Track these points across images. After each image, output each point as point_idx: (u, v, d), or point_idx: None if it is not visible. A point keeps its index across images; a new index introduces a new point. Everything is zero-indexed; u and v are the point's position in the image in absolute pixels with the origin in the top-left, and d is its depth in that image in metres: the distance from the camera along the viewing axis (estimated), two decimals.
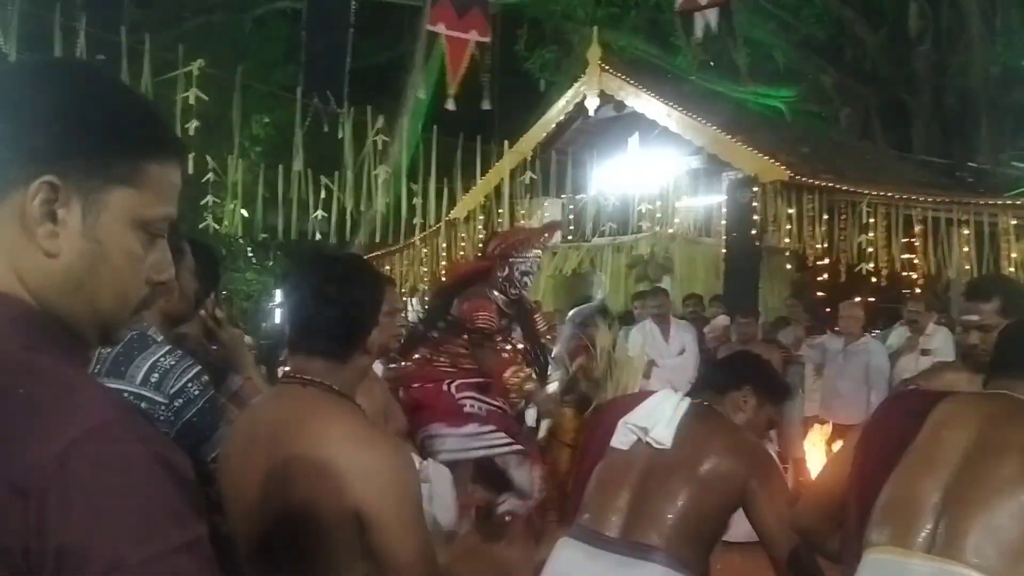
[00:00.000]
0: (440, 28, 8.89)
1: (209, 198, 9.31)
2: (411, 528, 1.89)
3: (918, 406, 2.15)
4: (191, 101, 7.78)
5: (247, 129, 12.48)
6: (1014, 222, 7.71)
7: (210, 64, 8.37)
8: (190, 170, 8.13)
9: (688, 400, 2.72)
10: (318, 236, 9.46)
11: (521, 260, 4.60)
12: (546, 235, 5.21)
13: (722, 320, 7.51)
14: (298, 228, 9.30)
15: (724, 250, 9.30)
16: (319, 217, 9.17)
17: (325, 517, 1.84)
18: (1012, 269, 7.55)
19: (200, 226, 9.59)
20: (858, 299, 7.17)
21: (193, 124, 7.77)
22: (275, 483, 1.87)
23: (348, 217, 9.15)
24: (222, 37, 13.67)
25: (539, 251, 4.82)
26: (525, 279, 4.66)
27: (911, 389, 3.03)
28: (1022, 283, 3.32)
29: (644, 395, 2.86)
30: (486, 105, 8.88)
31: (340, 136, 8.65)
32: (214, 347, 2.80)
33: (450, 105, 8.79)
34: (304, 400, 1.94)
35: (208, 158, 8.83)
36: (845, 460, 2.26)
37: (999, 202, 7.98)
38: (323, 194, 9.08)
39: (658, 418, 2.62)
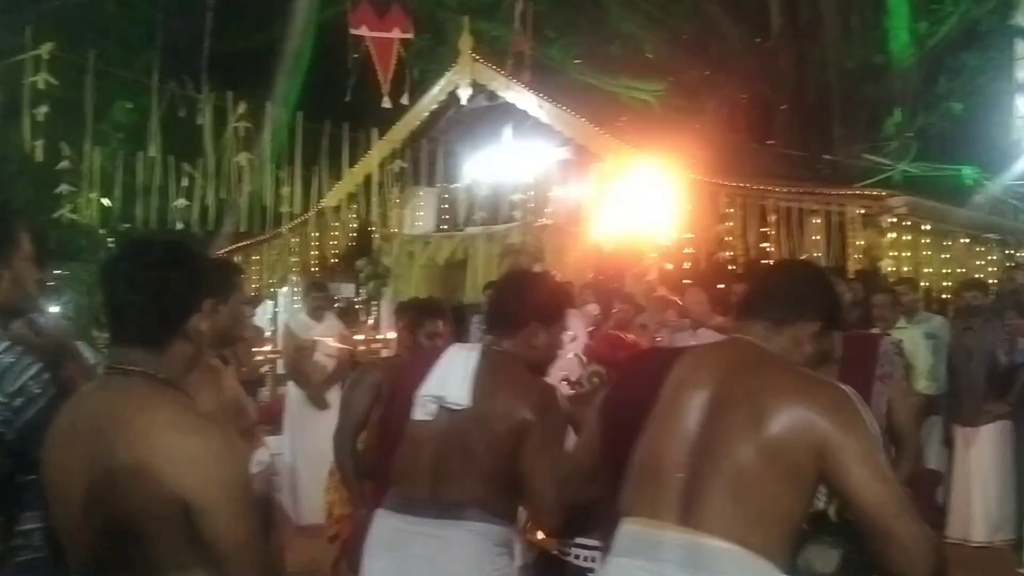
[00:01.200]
0: (363, 31, 8.85)
1: (63, 187, 8.92)
2: (239, 515, 1.88)
3: (657, 365, 2.17)
4: (40, 86, 7.43)
5: (109, 115, 12.01)
6: (861, 211, 8.12)
7: (71, 47, 8.02)
8: (40, 157, 7.81)
9: (477, 350, 2.74)
10: (180, 225, 9.17)
11: None
12: None
13: (592, 308, 7.67)
14: (159, 217, 9.01)
15: (594, 240, 9.48)
16: (180, 206, 8.91)
17: (151, 506, 1.82)
18: (858, 256, 7.97)
19: (54, 215, 9.19)
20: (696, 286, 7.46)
21: (43, 110, 7.43)
22: (99, 475, 1.84)
23: (212, 206, 8.91)
24: (84, 19, 13.08)
25: None
26: None
27: (650, 348, 3.16)
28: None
29: (432, 356, 2.84)
30: (385, 100, 8.83)
31: (200, 123, 8.42)
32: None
33: (386, 103, 8.77)
34: (126, 391, 1.91)
35: (64, 145, 8.46)
36: (593, 430, 2.33)
37: (846, 192, 8.40)
38: (185, 182, 8.83)
39: (451, 380, 2.65)
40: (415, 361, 3.06)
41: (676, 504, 1.98)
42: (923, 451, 6.30)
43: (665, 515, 1.98)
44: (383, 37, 9.02)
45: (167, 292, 1.92)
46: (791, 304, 2.14)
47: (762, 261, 8.68)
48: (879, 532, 1.84)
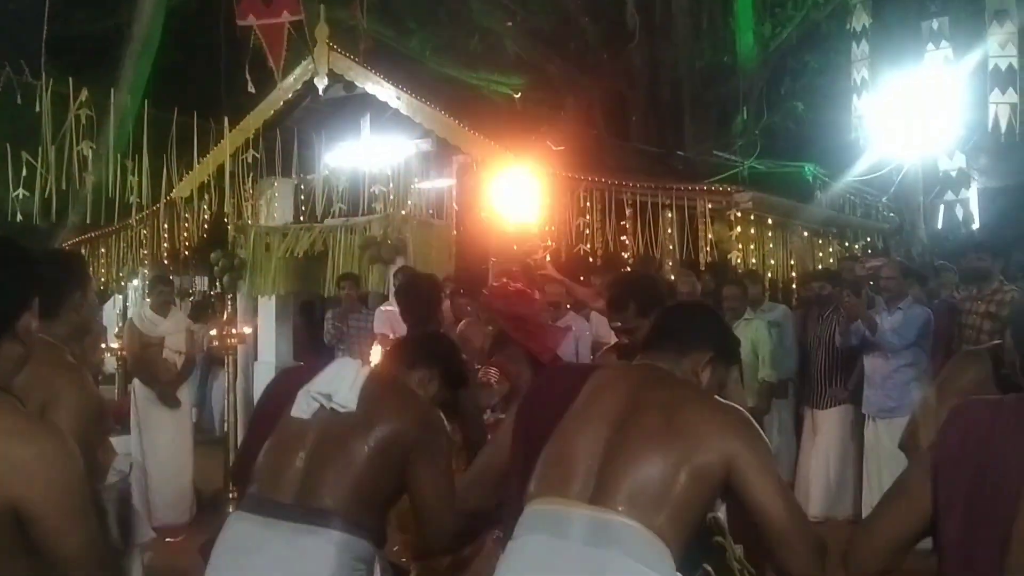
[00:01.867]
0: (250, 21, 8.54)
1: None
2: (76, 521, 1.81)
3: (574, 377, 2.35)
4: None
5: None
6: (710, 206, 8.45)
7: None
8: None
9: (368, 367, 2.74)
10: (19, 217, 8.67)
11: None
12: None
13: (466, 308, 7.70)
14: None
15: (455, 232, 9.50)
16: (21, 196, 8.42)
17: None
18: (708, 248, 8.28)
19: None
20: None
21: None
22: None
23: (53, 196, 8.45)
24: None
25: None
26: None
27: (566, 363, 3.30)
28: (653, 282, 3.75)
29: (318, 364, 2.81)
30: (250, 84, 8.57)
31: (38, 109, 7.97)
32: None
33: (251, 88, 8.49)
34: None
35: None
36: (507, 433, 2.40)
37: (697, 188, 8.72)
38: (24, 172, 8.35)
39: (340, 383, 2.59)
40: (300, 368, 3.05)
41: (585, 486, 2.07)
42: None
43: (573, 495, 2.07)
44: (272, 23, 8.76)
45: None
46: (687, 337, 2.37)
47: (620, 254, 8.92)
48: (780, 538, 2.04)
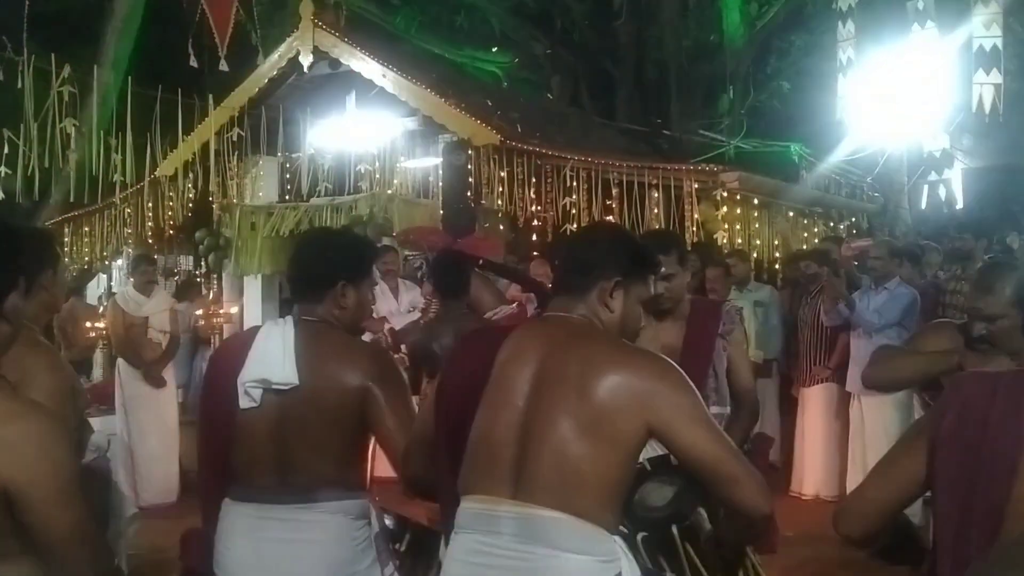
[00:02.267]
0: None
1: None
2: (64, 503, 1.81)
3: (487, 344, 2.25)
4: None
5: None
6: (696, 186, 8.45)
7: None
8: None
9: (290, 323, 2.60)
10: (1, 195, 8.59)
11: None
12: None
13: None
14: None
15: (442, 211, 9.48)
16: (2, 174, 8.34)
17: None
18: (694, 228, 8.30)
19: None
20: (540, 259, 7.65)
21: None
22: None
23: (36, 174, 8.37)
24: None
25: None
26: None
27: (480, 328, 3.24)
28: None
29: (246, 337, 2.68)
30: (222, 63, 8.48)
31: (20, 85, 7.88)
32: None
33: (223, 66, 8.39)
34: None
35: None
36: (430, 407, 2.35)
37: (683, 167, 8.72)
38: (7, 149, 8.26)
39: (272, 361, 2.50)
40: (226, 346, 2.93)
41: (508, 479, 2.05)
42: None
43: (498, 491, 2.06)
44: None
45: None
46: (582, 270, 2.22)
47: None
48: (722, 479, 2.00)
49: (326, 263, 2.63)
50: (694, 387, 2.07)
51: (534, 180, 9.08)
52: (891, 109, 11.81)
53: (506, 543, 2.01)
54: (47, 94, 8.19)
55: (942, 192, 12.50)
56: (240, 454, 2.56)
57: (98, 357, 9.68)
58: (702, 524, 2.31)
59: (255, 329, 2.69)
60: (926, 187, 12.35)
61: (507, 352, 2.18)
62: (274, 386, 2.49)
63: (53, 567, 1.82)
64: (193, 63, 8.98)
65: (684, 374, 2.08)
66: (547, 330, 2.21)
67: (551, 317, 2.25)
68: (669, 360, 2.12)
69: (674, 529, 2.25)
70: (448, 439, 2.22)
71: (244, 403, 2.52)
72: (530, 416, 2.06)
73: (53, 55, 8.10)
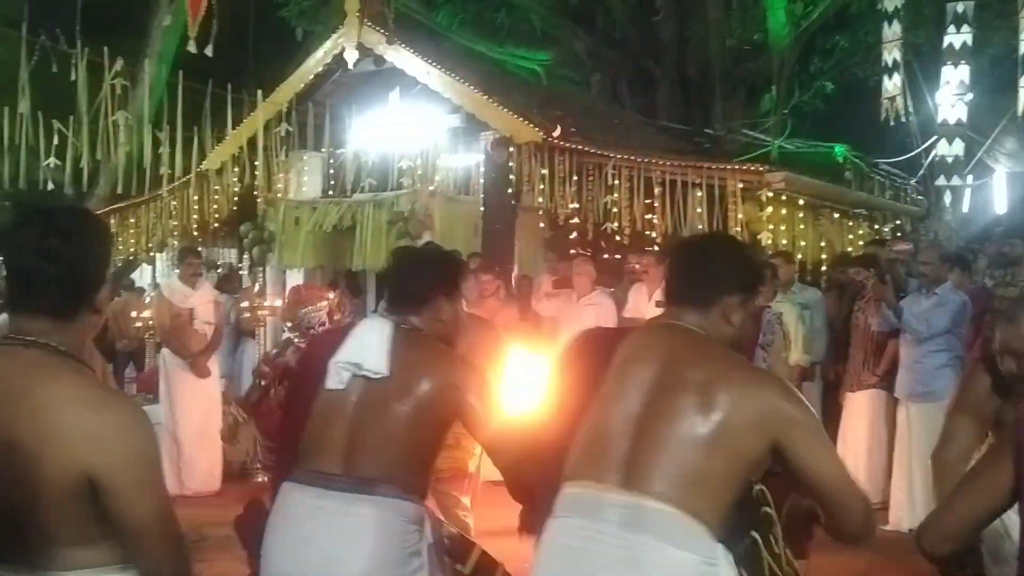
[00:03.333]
0: None
1: None
2: (146, 490, 1.85)
3: (604, 344, 2.29)
4: None
5: None
6: (740, 185, 8.39)
7: None
8: None
9: (390, 323, 2.68)
10: (51, 186, 8.73)
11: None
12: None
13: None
14: (28, 177, 8.55)
15: (482, 208, 9.51)
16: (52, 165, 8.48)
17: (54, 482, 1.77)
18: (738, 228, 8.24)
19: None
20: (584, 256, 7.69)
21: None
22: None
23: (86, 166, 8.51)
24: None
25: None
26: None
27: (595, 328, 3.25)
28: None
29: (342, 328, 2.81)
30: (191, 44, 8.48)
31: (73, 78, 8.01)
32: None
33: (192, 48, 8.40)
34: (26, 363, 1.84)
35: None
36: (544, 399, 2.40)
37: (728, 167, 8.67)
38: (56, 140, 8.40)
39: (368, 349, 2.58)
40: (326, 332, 3.02)
41: (619, 470, 2.06)
42: None
43: (608, 479, 2.06)
44: None
45: (81, 262, 1.85)
46: (710, 285, 2.25)
47: (646, 233, 8.91)
48: (836, 502, 2.06)
49: (426, 279, 2.76)
50: (812, 409, 2.14)
51: (575, 178, 9.07)
52: (935, 111, 11.70)
53: (611, 530, 2.00)
54: (98, 87, 8.30)
55: (984, 196, 12.34)
56: (312, 433, 2.60)
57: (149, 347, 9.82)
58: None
59: (354, 322, 2.80)
60: (968, 191, 12.21)
61: (628, 351, 2.21)
62: (364, 372, 2.56)
63: (134, 552, 1.86)
64: (192, 48, 8.96)
65: (801, 395, 2.15)
66: (667, 338, 2.25)
67: (671, 325, 2.27)
68: (789, 383, 2.21)
69: (757, 537, 2.25)
70: (559, 431, 2.25)
71: (331, 383, 2.58)
72: (649, 415, 2.08)
73: (105, 48, 8.22)
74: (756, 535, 2.29)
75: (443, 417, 2.60)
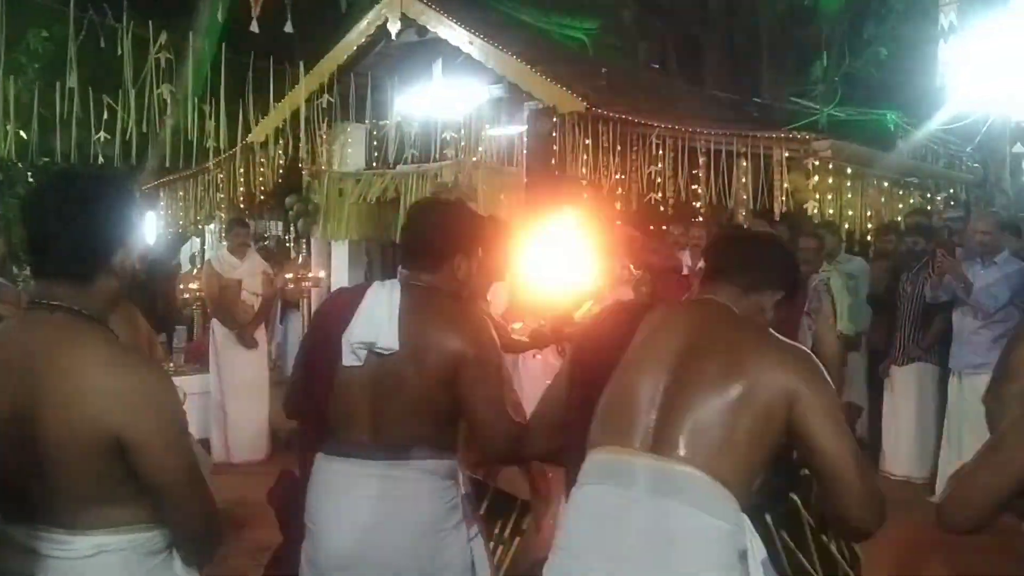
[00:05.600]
0: None
1: None
2: (174, 450, 1.89)
3: (629, 316, 2.30)
4: None
5: (24, 43, 11.51)
6: (787, 155, 8.23)
7: None
8: None
9: (396, 287, 2.64)
10: (101, 160, 8.89)
11: None
12: None
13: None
14: (79, 151, 8.72)
15: (526, 179, 9.46)
16: (102, 139, 8.63)
17: (83, 443, 1.81)
18: (783, 198, 8.10)
19: None
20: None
21: None
22: (24, 412, 1.81)
23: (133, 139, 8.64)
24: None
25: None
26: None
27: (620, 302, 3.22)
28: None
29: (352, 295, 2.72)
30: (288, 28, 8.51)
31: (119, 52, 8.12)
32: None
33: (250, 25, 8.46)
34: (52, 327, 1.88)
35: None
36: (565, 373, 2.39)
37: (774, 135, 8.50)
38: (105, 115, 8.54)
39: (378, 324, 2.55)
40: (332, 301, 2.96)
41: (647, 435, 2.05)
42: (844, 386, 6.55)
43: (636, 444, 2.05)
44: None
45: (97, 225, 1.88)
46: (759, 274, 2.30)
47: (692, 203, 8.80)
48: (838, 482, 2.00)
49: (443, 235, 2.68)
50: (833, 388, 2.10)
51: (619, 148, 8.97)
52: (994, 76, 11.32)
53: (639, 495, 1.99)
54: (144, 61, 8.41)
55: None
56: (337, 409, 2.61)
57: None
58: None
59: (362, 287, 2.72)
60: None
61: (655, 322, 2.23)
62: (377, 350, 2.56)
63: (164, 510, 1.90)
64: (289, 28, 9.05)
65: (825, 373, 2.11)
66: (698, 310, 2.28)
67: (703, 300, 2.31)
68: (814, 356, 2.15)
69: (796, 499, 2.24)
70: (582, 404, 2.23)
71: (348, 360, 2.58)
72: (676, 381, 2.07)
73: (150, 22, 8.31)
74: (795, 497, 2.28)
75: (455, 381, 2.57)
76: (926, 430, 6.73)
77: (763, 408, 2.01)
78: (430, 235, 2.69)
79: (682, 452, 2.00)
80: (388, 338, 2.54)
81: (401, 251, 2.82)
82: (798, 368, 2.06)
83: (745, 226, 3.52)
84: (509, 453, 2.55)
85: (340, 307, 2.69)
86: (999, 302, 6.03)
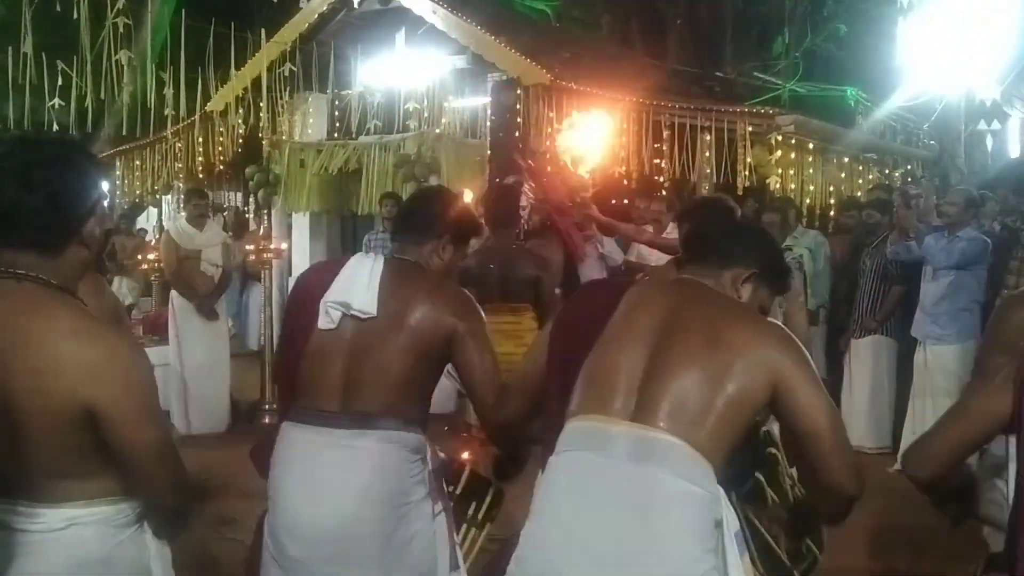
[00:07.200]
0: None
1: None
2: (145, 421, 1.86)
3: (609, 293, 2.31)
4: None
5: None
6: (750, 129, 8.29)
7: None
8: None
9: (382, 259, 2.69)
10: (56, 127, 8.69)
11: None
12: None
13: None
14: (33, 118, 8.52)
15: (489, 152, 9.42)
16: (57, 106, 8.43)
17: (54, 414, 1.78)
18: (747, 173, 8.17)
19: None
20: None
21: None
22: None
23: (90, 107, 8.45)
24: None
25: None
26: None
27: (600, 279, 3.27)
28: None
29: (334, 265, 2.78)
30: None
31: (75, 17, 7.92)
32: None
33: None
34: (20, 297, 1.83)
35: None
36: (543, 346, 2.40)
37: (737, 109, 8.55)
38: (60, 81, 8.33)
39: (356, 288, 2.59)
40: (315, 269, 3.01)
41: (627, 404, 2.06)
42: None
43: (615, 413, 2.06)
44: None
45: (65, 193, 1.83)
46: (732, 250, 2.31)
47: (656, 177, 8.83)
48: (823, 453, 2.02)
49: (443, 216, 2.77)
50: (812, 362, 2.13)
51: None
52: (950, 55, 11.45)
53: (618, 462, 2.00)
54: (101, 26, 8.21)
55: (997, 142, 12.15)
56: (308, 373, 2.61)
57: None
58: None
59: (344, 258, 2.78)
60: (989, 136, 12.04)
61: (635, 297, 2.24)
62: (352, 311, 2.56)
63: (135, 482, 1.88)
64: None
65: (803, 347, 2.14)
66: (677, 287, 2.28)
67: (681, 279, 2.32)
68: (789, 331, 2.18)
69: (761, 478, 2.26)
70: (561, 384, 2.24)
71: (323, 323, 2.59)
72: (656, 353, 2.09)
73: None
74: (760, 476, 2.31)
75: (438, 350, 2.61)
76: (880, 401, 6.86)
77: (744, 382, 2.03)
78: (426, 211, 2.80)
79: (662, 422, 2.01)
80: (364, 301, 2.55)
81: (392, 224, 2.95)
82: (778, 343, 2.09)
83: (731, 205, 3.50)
84: (497, 408, 2.53)
85: (322, 274, 2.73)
86: (949, 259, 6.12)
